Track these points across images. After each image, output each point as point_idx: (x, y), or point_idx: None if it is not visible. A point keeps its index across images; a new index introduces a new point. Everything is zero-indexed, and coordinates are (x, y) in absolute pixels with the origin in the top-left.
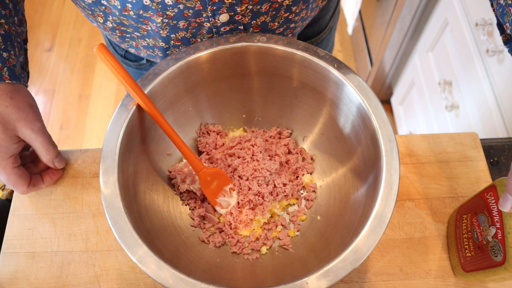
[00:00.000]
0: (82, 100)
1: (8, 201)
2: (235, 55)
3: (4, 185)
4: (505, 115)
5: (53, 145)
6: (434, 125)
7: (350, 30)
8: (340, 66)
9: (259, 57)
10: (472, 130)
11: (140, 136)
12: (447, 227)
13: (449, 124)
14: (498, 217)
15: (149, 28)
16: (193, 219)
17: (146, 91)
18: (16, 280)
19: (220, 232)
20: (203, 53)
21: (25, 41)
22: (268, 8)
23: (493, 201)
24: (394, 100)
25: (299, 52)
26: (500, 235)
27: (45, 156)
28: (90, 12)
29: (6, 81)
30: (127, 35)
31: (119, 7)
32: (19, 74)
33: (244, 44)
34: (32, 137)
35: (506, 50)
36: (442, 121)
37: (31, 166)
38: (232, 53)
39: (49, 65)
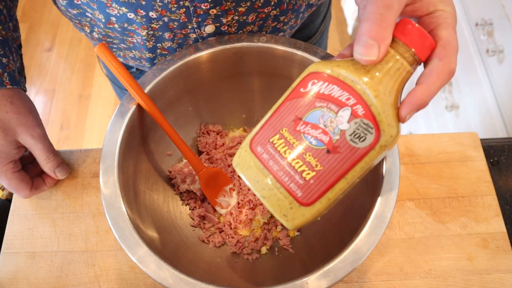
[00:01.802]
0: (82, 100)
1: (8, 201)
2: (235, 55)
3: None
4: (505, 115)
5: (53, 153)
6: (434, 125)
7: (350, 30)
8: None
9: (259, 57)
10: (472, 130)
11: (140, 136)
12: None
13: (449, 124)
14: (346, 93)
15: (135, 41)
16: (193, 219)
17: (146, 91)
18: (16, 280)
19: (220, 232)
20: (203, 53)
21: (20, 46)
22: (254, 18)
23: (326, 85)
24: None
25: (299, 52)
26: (362, 109)
27: (45, 164)
28: (77, 22)
29: (7, 87)
30: (114, 46)
31: (103, 20)
32: (19, 79)
33: (244, 44)
34: (31, 144)
35: (506, 50)
36: (442, 121)
37: (31, 168)
38: (232, 53)
39: (49, 65)
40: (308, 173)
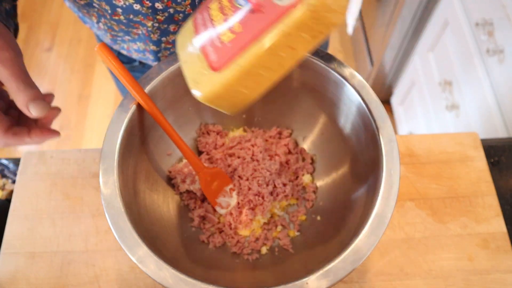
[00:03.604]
0: (82, 100)
1: (8, 201)
2: None
3: (4, 185)
4: (505, 115)
5: (27, 83)
6: (434, 125)
7: (350, 30)
8: (340, 65)
9: None
10: (472, 130)
11: (140, 136)
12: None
13: (449, 124)
14: None
15: (140, 32)
16: (193, 219)
17: (146, 91)
18: (16, 280)
19: (220, 232)
20: None
21: None
22: None
23: None
24: (394, 100)
25: None
26: None
27: (15, 97)
28: (85, 11)
29: None
30: (118, 38)
31: (109, 11)
32: None
33: None
34: None
35: (506, 50)
36: (442, 121)
37: (25, 118)
38: None
39: (48, 65)
40: (228, 36)
